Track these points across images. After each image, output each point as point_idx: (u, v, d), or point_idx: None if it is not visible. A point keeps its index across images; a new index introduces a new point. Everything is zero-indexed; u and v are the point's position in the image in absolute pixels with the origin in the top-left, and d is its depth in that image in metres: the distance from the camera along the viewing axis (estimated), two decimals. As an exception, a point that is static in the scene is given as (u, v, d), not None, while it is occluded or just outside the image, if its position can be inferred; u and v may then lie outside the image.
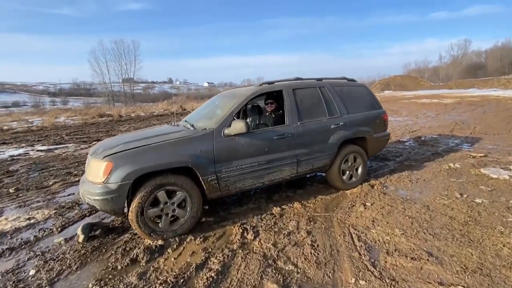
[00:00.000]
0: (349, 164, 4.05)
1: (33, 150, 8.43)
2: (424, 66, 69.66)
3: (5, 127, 13.20)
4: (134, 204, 2.69)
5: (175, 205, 2.89)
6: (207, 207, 3.61)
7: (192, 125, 3.42)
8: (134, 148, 2.81)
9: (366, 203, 3.48)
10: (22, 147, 8.92)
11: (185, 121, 3.78)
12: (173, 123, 3.97)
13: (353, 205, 3.47)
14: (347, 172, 4.06)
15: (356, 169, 4.16)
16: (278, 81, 3.79)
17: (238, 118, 4.79)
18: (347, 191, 3.98)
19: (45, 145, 9.19)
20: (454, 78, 49.56)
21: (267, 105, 3.98)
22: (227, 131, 3.09)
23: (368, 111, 4.28)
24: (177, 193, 2.89)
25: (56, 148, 8.64)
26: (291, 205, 3.57)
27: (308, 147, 3.61)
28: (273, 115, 3.87)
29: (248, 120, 4.41)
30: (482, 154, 5.28)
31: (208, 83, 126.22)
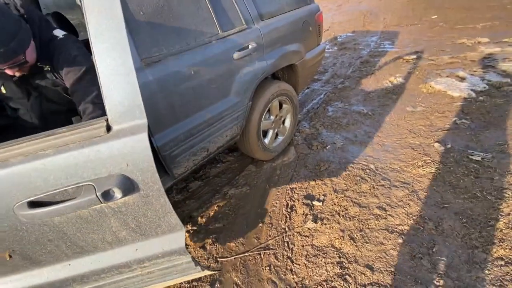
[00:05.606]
0: (274, 117, 2.01)
1: None
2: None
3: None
4: None
5: None
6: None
7: None
8: None
9: (313, 202, 1.66)
10: None
11: None
12: None
13: (293, 210, 1.63)
14: (271, 131, 2.06)
15: (283, 122, 2.18)
16: None
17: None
18: (273, 164, 2.09)
19: None
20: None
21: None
22: None
23: (294, 9, 1.99)
24: None
25: None
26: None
27: (184, 123, 1.32)
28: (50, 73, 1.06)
29: None
30: (414, 56, 3.81)
31: None
